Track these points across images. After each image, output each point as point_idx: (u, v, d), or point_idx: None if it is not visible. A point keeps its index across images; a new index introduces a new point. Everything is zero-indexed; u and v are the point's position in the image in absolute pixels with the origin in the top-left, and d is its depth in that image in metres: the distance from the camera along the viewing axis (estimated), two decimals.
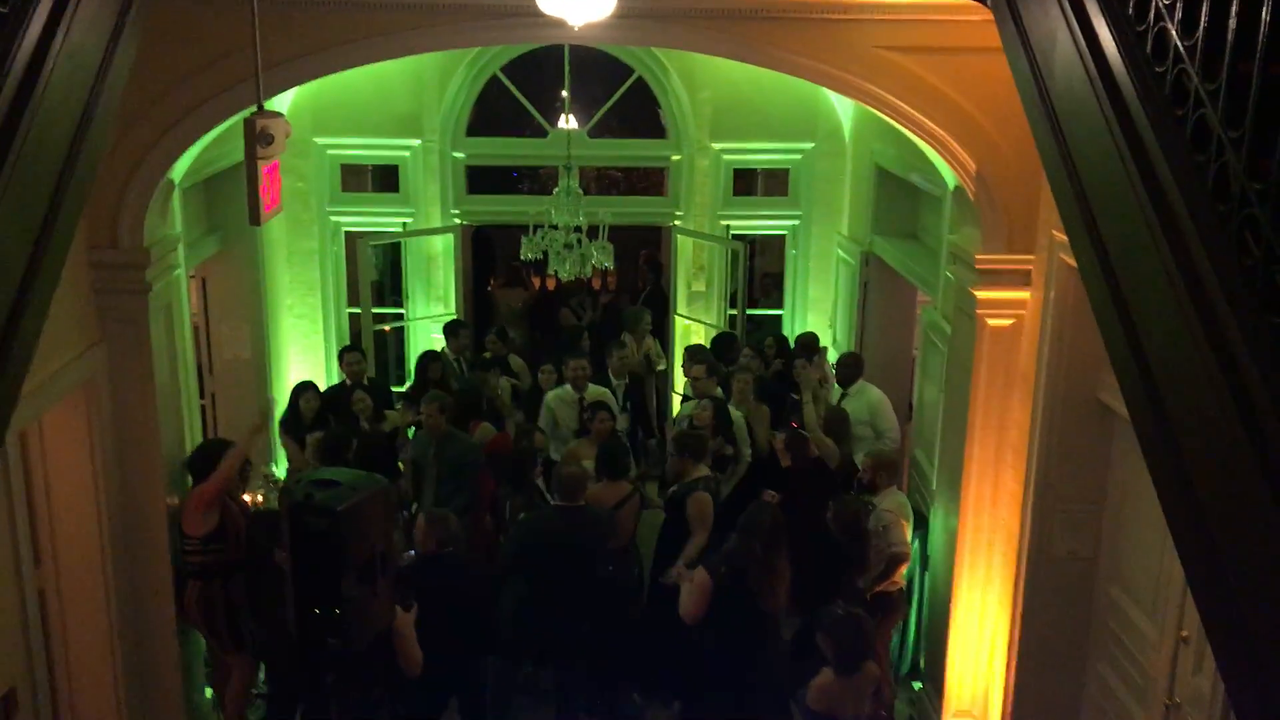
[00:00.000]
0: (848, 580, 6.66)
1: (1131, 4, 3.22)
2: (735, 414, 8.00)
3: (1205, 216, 2.75)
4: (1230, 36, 2.71)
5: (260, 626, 6.54)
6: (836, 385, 8.50)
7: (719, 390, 8.25)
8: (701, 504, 6.97)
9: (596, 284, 13.02)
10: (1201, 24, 2.83)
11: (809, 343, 9.29)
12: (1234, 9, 2.69)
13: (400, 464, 7.92)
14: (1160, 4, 3.04)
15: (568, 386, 8.56)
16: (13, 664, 5.33)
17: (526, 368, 9.69)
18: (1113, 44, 3.24)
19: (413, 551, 6.57)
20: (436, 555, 6.23)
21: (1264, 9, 2.56)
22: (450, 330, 9.64)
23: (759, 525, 6.17)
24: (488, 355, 9.58)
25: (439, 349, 9.56)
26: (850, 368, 8.42)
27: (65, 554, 6.14)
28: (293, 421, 8.29)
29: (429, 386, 8.46)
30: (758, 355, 8.99)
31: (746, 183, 10.98)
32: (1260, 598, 2.46)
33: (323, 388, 9.35)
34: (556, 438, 8.43)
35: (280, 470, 8.62)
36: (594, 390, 8.51)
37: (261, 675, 7.10)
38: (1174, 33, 2.97)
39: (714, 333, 10.31)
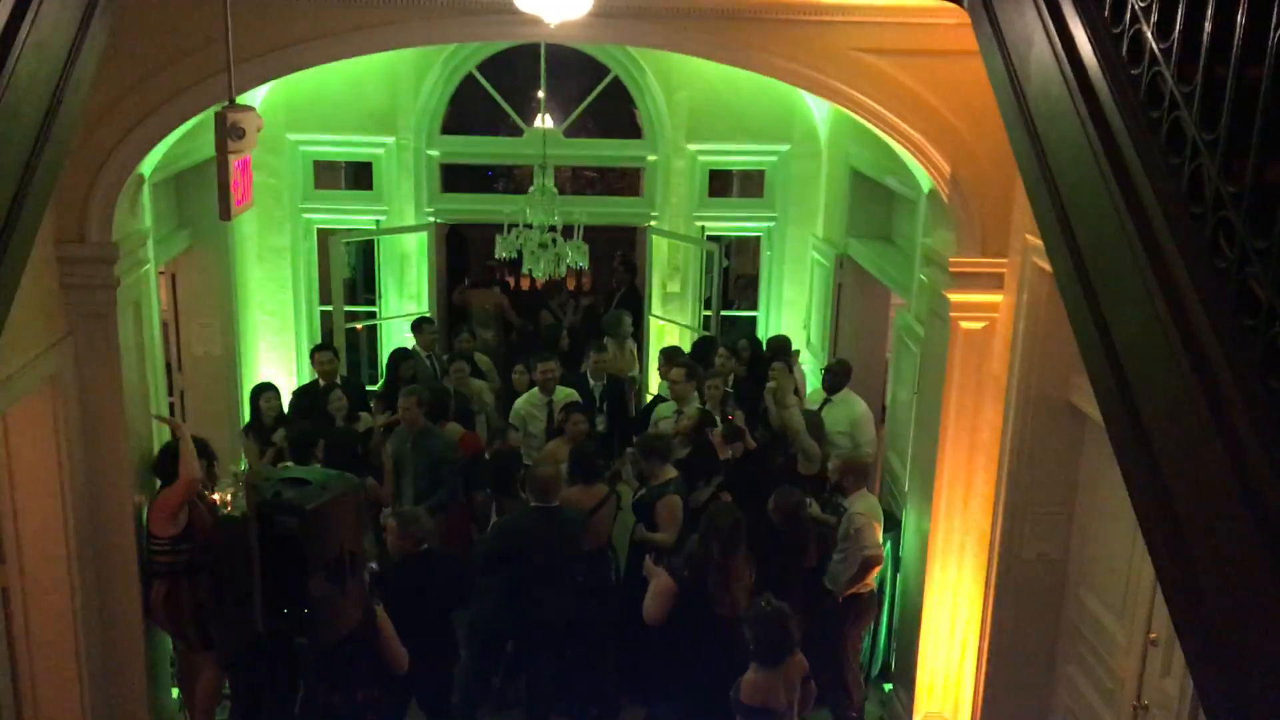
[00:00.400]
0: (793, 570, 6.66)
1: (1107, 6, 3.23)
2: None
3: (1179, 219, 2.76)
4: (1206, 39, 2.72)
5: (221, 629, 6.47)
6: (822, 391, 8.48)
7: (696, 395, 8.22)
8: (672, 507, 6.94)
9: (571, 284, 12.98)
10: (1177, 27, 2.84)
11: (782, 346, 9.28)
12: (1209, 12, 2.70)
13: (384, 460, 7.81)
14: (1136, 6, 3.05)
15: (536, 391, 8.51)
16: None
17: (493, 367, 9.64)
18: (1089, 46, 3.25)
19: (374, 564, 6.47)
20: (413, 554, 6.17)
21: (1239, 12, 2.57)
22: (416, 327, 9.62)
23: (717, 528, 6.11)
24: (466, 343, 9.56)
25: (411, 347, 9.51)
26: (838, 375, 8.38)
27: (30, 552, 6.04)
28: (255, 423, 8.21)
29: (401, 385, 8.41)
30: (733, 356, 8.95)
31: (722, 184, 10.98)
32: (1232, 599, 2.46)
33: (294, 385, 9.30)
34: (526, 443, 8.38)
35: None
36: (562, 392, 8.46)
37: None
38: (1150, 35, 2.98)
39: (688, 333, 10.31)
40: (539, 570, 6.49)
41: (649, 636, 6.35)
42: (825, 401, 8.32)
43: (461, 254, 13.12)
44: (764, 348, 9.41)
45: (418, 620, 6.01)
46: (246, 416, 8.57)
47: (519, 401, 8.59)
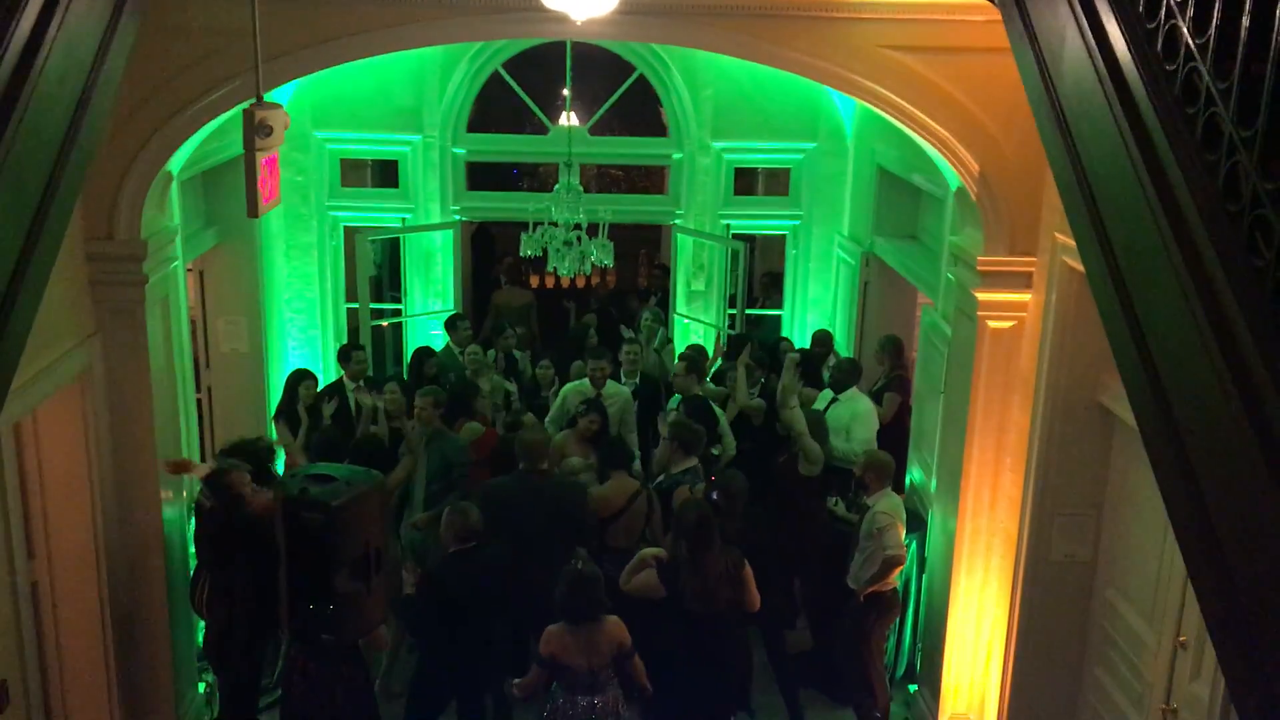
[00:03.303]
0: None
1: (1142, 1, 3.19)
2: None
3: (1215, 217, 2.72)
4: (1243, 34, 2.68)
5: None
6: (829, 390, 8.43)
7: (698, 389, 8.25)
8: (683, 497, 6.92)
9: (595, 281, 12.95)
10: (1214, 22, 2.80)
11: (823, 340, 9.36)
12: (1247, 6, 2.65)
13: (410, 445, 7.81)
14: (1171, 1, 3.01)
15: (587, 380, 8.52)
16: (4, 657, 5.30)
17: (529, 363, 9.68)
18: (1122, 42, 3.21)
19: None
20: (461, 551, 6.14)
21: (1278, 6, 2.52)
22: (450, 324, 9.63)
23: (684, 525, 6.06)
24: (509, 340, 9.63)
25: (445, 344, 9.53)
26: (846, 373, 8.34)
27: (58, 547, 6.10)
28: (288, 408, 8.24)
29: (423, 383, 8.41)
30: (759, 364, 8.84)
31: (747, 182, 10.94)
32: (1267, 600, 2.43)
33: (321, 381, 9.33)
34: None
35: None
36: (613, 387, 8.46)
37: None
38: (1185, 30, 2.93)
39: (711, 331, 10.32)
40: (528, 540, 6.38)
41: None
42: (832, 400, 8.27)
43: (488, 251, 13.14)
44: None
45: (461, 619, 5.99)
46: (274, 407, 8.61)
47: (568, 387, 8.58)
